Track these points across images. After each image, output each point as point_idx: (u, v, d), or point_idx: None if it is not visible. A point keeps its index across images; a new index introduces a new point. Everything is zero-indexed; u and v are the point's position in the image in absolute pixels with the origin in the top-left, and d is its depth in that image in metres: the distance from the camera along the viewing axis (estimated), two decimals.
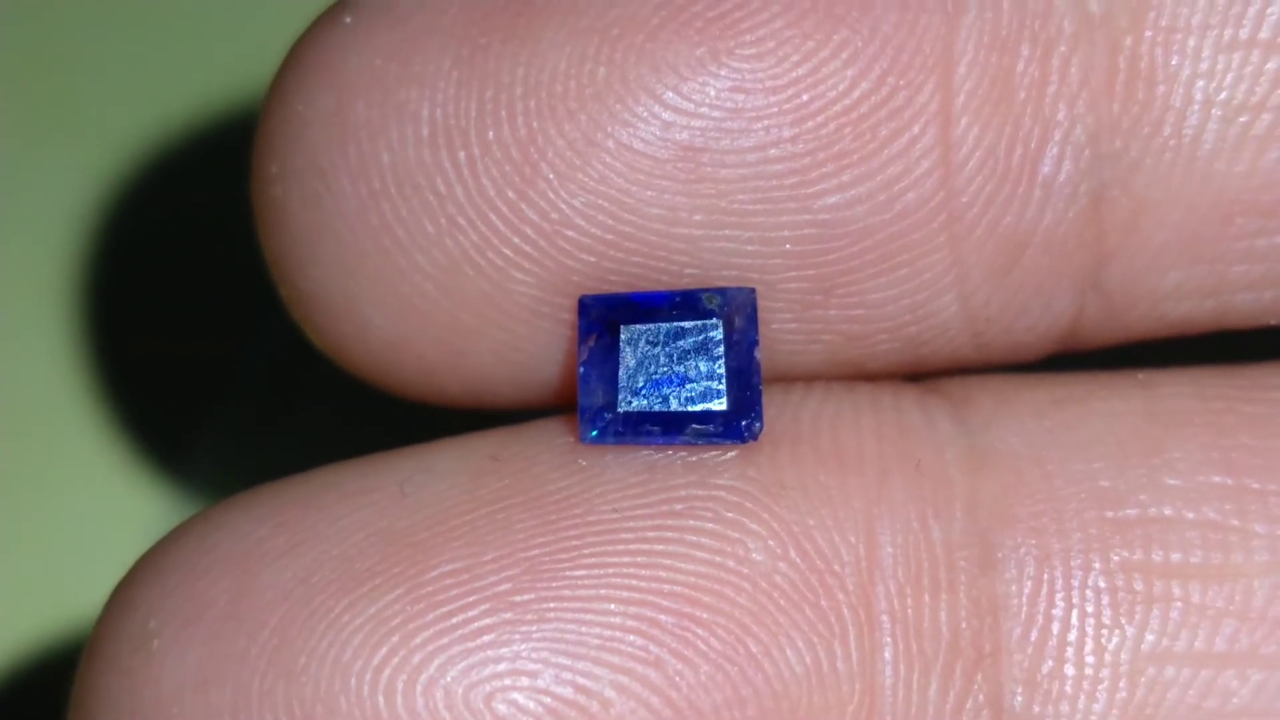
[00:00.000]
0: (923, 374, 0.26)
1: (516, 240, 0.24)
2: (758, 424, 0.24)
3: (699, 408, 0.24)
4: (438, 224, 0.24)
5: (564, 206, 0.24)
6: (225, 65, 0.40)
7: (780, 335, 0.25)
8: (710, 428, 0.24)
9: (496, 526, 0.23)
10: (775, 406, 0.24)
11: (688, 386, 0.24)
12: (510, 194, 0.24)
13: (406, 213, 0.24)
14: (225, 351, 0.39)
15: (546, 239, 0.24)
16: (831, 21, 0.24)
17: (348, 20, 0.24)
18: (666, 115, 0.23)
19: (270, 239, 0.25)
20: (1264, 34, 0.24)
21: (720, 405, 0.24)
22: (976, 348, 0.25)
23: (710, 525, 0.23)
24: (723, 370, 0.24)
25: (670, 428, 0.24)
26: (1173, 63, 0.24)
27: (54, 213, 0.40)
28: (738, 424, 0.24)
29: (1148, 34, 0.24)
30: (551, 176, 0.24)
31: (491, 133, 0.24)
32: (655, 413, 0.24)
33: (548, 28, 0.24)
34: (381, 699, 0.22)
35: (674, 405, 0.24)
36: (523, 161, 0.23)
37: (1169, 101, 0.24)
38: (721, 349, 0.24)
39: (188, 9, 0.41)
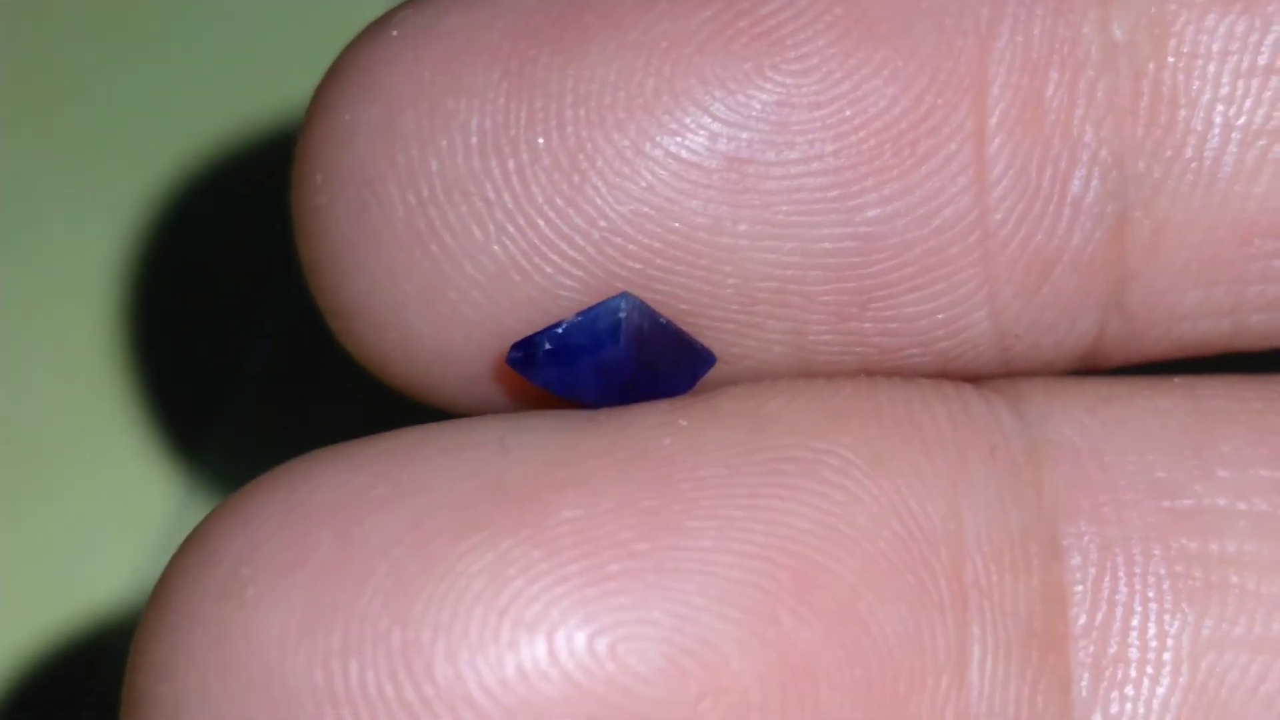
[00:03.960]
0: None
1: (564, 246, 0.24)
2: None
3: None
4: (486, 230, 0.24)
5: (612, 214, 0.24)
6: (239, 82, 0.41)
7: (816, 346, 0.25)
8: None
9: (609, 478, 0.23)
10: (850, 385, 0.25)
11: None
12: (559, 201, 0.24)
13: (455, 219, 0.24)
14: (237, 339, 0.39)
15: (594, 246, 0.24)
16: (873, 40, 0.24)
17: (394, 34, 0.25)
18: (714, 126, 0.24)
19: (312, 249, 0.25)
20: None
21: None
22: (1003, 363, 0.26)
23: (820, 487, 0.23)
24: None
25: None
26: (1194, 88, 0.25)
27: (83, 211, 0.40)
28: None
29: (1170, 60, 0.25)
30: (600, 184, 0.24)
31: (541, 140, 0.24)
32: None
33: (596, 41, 0.24)
34: (505, 643, 0.22)
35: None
36: (571, 169, 0.24)
37: (1190, 125, 0.25)
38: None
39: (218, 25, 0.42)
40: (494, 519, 0.22)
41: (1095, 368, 0.27)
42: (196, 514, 0.37)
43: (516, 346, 0.24)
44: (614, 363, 0.24)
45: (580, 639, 0.22)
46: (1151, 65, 0.25)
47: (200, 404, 0.39)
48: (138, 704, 0.23)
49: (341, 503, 0.22)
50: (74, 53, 0.42)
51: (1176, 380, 0.26)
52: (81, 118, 0.41)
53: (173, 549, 0.37)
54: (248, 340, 0.39)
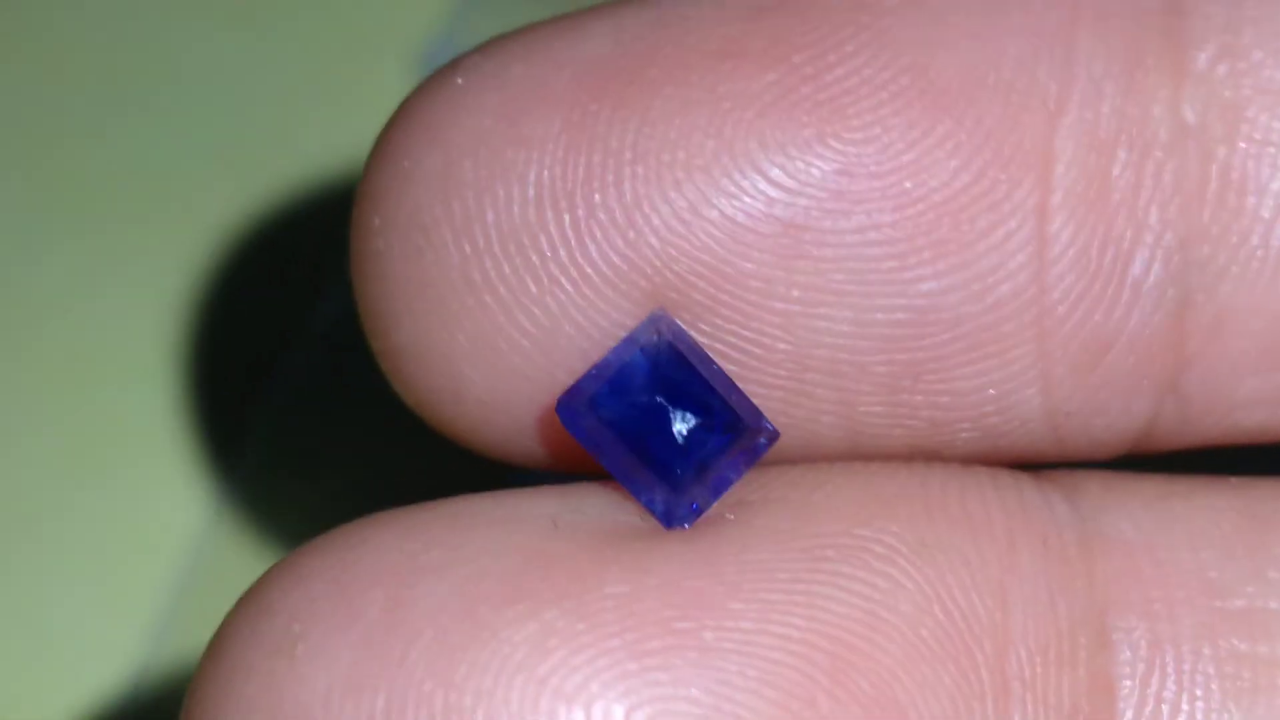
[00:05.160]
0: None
1: (620, 301, 0.24)
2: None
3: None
4: (540, 284, 0.24)
5: (667, 273, 0.24)
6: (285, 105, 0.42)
7: (866, 417, 0.25)
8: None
9: (656, 559, 0.23)
10: (905, 471, 0.25)
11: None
12: (614, 257, 0.24)
13: (510, 271, 0.24)
14: (270, 353, 0.39)
15: (648, 302, 0.24)
16: (937, 111, 0.24)
17: (459, 81, 0.25)
18: (772, 192, 0.24)
19: (367, 291, 0.25)
20: None
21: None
22: (1054, 443, 0.26)
23: (863, 574, 0.23)
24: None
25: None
26: (1264, 175, 0.25)
27: (133, 228, 0.41)
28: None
29: (1241, 145, 0.25)
30: (655, 243, 0.24)
31: (598, 196, 0.24)
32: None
33: (658, 98, 0.24)
34: (544, 712, 0.22)
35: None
36: (628, 226, 0.24)
37: (1258, 213, 0.25)
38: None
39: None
40: (539, 590, 0.22)
41: (1148, 450, 0.26)
42: (226, 529, 0.38)
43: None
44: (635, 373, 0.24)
45: (618, 712, 0.22)
46: (1222, 150, 0.25)
47: (234, 416, 0.39)
48: None
49: (394, 566, 0.23)
50: (138, 75, 0.43)
51: (1233, 480, 0.26)
52: (131, 133, 0.42)
53: (202, 567, 0.37)
54: (282, 354, 0.40)
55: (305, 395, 0.39)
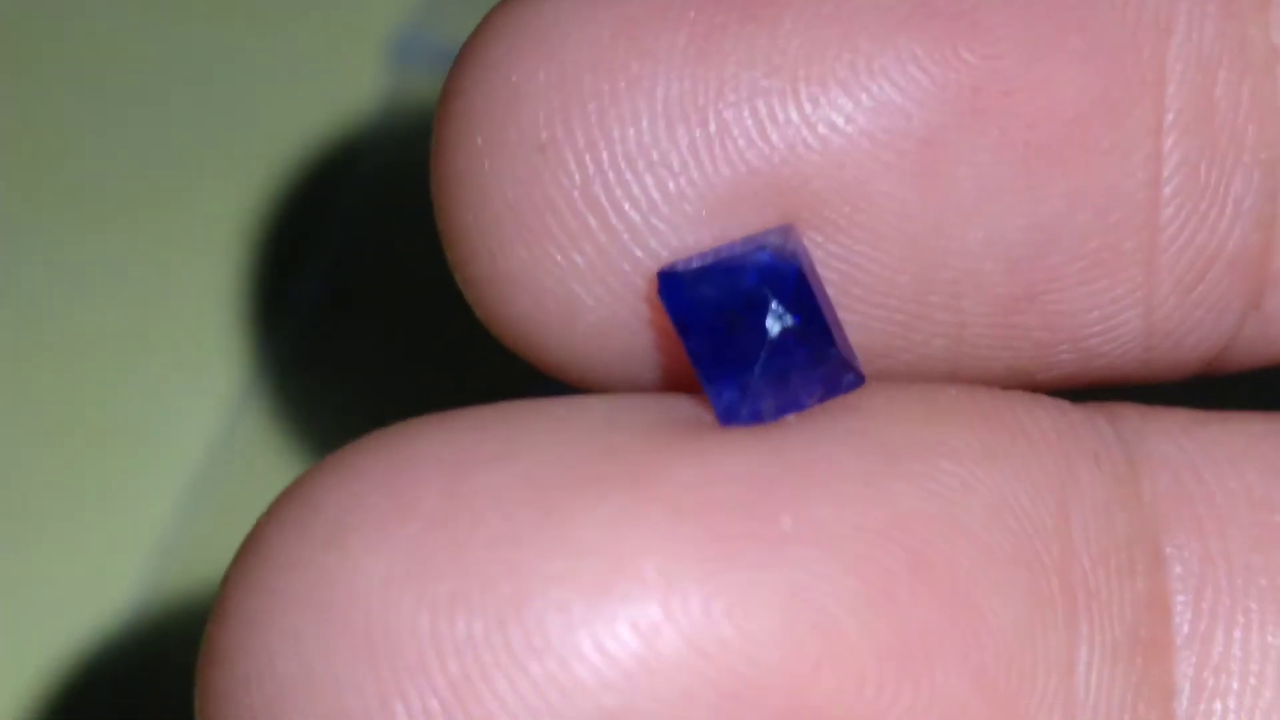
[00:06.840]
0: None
1: (751, 220, 0.23)
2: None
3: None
4: (671, 201, 0.23)
5: (801, 192, 0.23)
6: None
7: (977, 340, 0.25)
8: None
9: (723, 449, 0.22)
10: (954, 388, 0.24)
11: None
12: (746, 174, 0.23)
13: (638, 190, 0.23)
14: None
15: (781, 222, 0.23)
16: (1065, 28, 0.24)
17: None
18: (908, 107, 0.23)
19: (463, 218, 0.24)
20: None
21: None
22: (1142, 364, 0.26)
23: (934, 473, 0.23)
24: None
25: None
26: None
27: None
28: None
29: None
30: (789, 161, 0.23)
31: (729, 113, 0.23)
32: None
33: (788, 11, 0.23)
34: (619, 597, 0.21)
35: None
36: (762, 143, 0.23)
37: None
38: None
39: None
40: (607, 476, 0.21)
41: (1216, 372, 0.27)
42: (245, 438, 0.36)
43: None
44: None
45: (696, 599, 0.21)
46: None
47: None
48: (222, 661, 0.21)
49: (449, 458, 0.22)
50: (109, 64, 0.42)
51: (1260, 414, 0.26)
52: (102, 122, 0.42)
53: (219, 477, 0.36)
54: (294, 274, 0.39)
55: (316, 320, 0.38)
